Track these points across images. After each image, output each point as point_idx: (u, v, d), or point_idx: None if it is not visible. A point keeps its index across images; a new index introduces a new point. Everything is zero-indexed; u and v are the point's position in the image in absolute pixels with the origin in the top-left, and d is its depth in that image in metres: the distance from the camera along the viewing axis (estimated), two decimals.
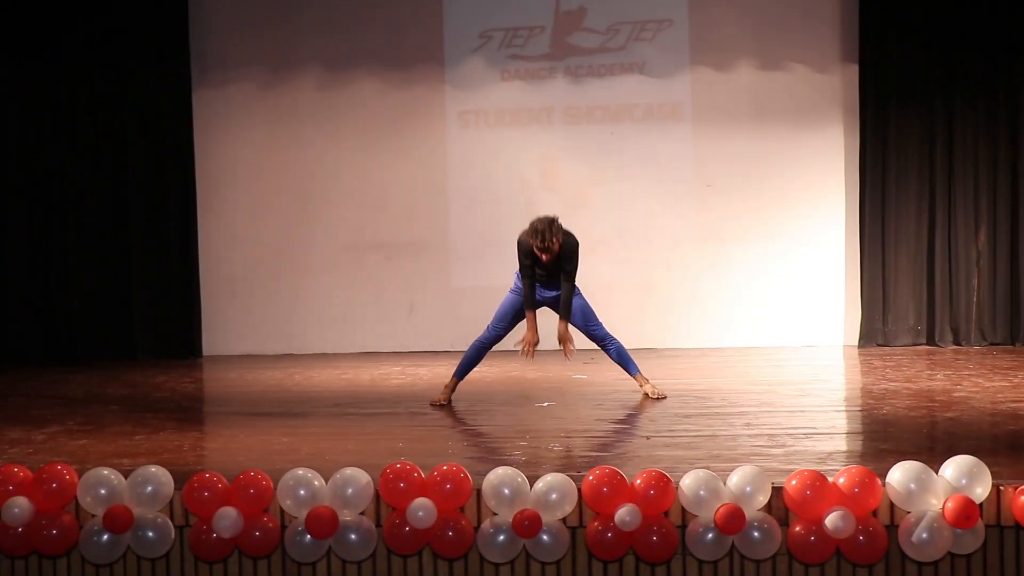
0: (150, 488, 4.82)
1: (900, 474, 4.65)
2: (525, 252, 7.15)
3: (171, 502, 4.89)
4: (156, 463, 5.03)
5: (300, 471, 4.84)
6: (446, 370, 9.30)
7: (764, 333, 10.72)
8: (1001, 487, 4.69)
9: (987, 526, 4.66)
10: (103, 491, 4.81)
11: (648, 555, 4.65)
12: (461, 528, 4.72)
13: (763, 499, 4.69)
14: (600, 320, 7.57)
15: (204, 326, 10.97)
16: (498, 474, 4.79)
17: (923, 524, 4.56)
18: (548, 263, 7.13)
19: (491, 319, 7.50)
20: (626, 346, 7.60)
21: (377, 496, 4.83)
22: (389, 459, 5.13)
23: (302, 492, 4.76)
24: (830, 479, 4.65)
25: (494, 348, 7.55)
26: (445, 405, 7.42)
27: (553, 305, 7.36)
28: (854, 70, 10.46)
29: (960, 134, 10.32)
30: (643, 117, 10.83)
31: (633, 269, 10.76)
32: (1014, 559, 4.74)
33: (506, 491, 4.72)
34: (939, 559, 4.64)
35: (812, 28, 10.62)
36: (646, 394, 7.50)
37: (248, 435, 6.67)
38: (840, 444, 6.18)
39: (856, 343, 10.54)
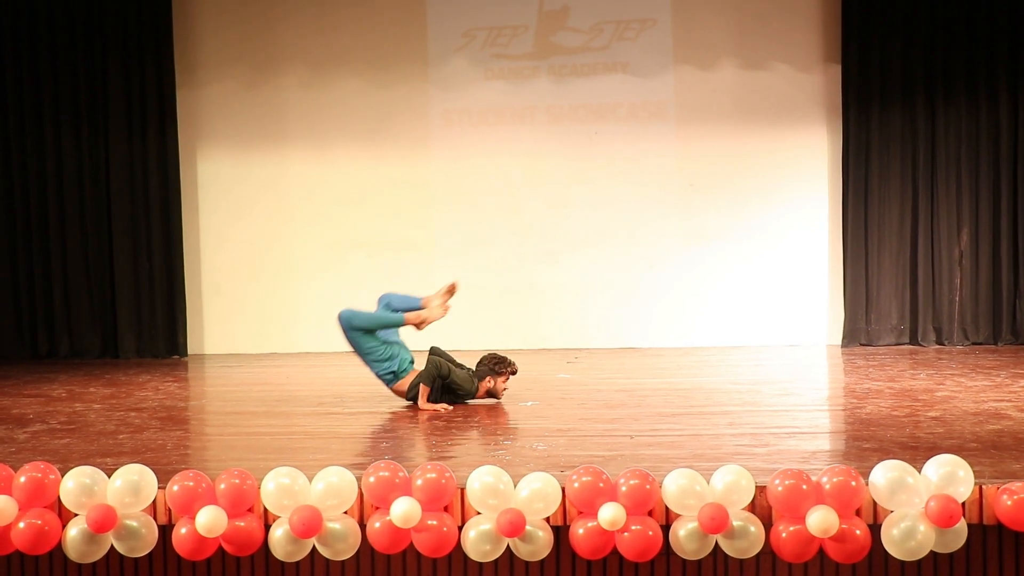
0: (133, 487, 4.81)
1: (883, 473, 4.67)
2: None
3: (154, 501, 4.88)
4: (139, 462, 5.02)
5: (284, 470, 4.84)
6: None
7: (747, 332, 10.74)
8: (983, 486, 4.72)
9: (969, 525, 4.68)
10: (86, 490, 4.79)
11: (632, 554, 4.66)
12: (445, 527, 4.72)
13: (746, 498, 4.70)
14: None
15: (188, 325, 10.93)
16: (482, 473, 4.79)
17: (906, 523, 4.58)
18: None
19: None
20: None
21: (361, 495, 4.83)
22: (373, 458, 5.13)
23: (286, 491, 4.76)
24: (813, 478, 4.67)
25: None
26: None
27: None
28: (836, 70, 10.49)
29: (942, 134, 10.36)
30: (626, 116, 10.84)
31: (616, 268, 10.77)
32: (996, 558, 4.76)
33: (490, 490, 4.72)
34: (922, 558, 4.66)
35: (794, 28, 10.64)
36: None
37: (232, 434, 6.67)
38: (823, 443, 6.20)
39: (839, 342, 10.57)
